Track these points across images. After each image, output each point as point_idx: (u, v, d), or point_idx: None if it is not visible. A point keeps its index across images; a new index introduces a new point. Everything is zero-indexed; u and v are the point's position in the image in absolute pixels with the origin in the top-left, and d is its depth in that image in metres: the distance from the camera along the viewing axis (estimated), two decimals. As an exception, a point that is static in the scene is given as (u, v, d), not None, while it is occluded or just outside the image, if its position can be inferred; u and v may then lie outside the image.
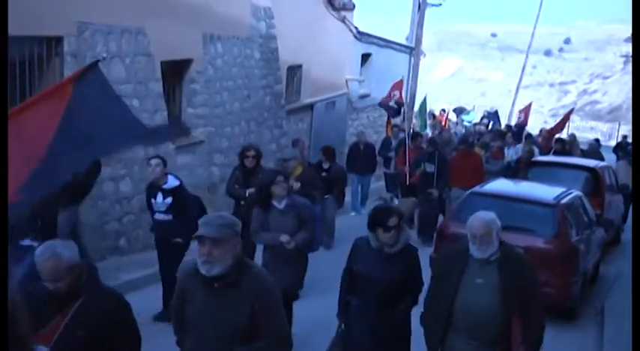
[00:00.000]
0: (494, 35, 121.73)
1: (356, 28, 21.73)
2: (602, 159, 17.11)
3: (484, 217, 5.32)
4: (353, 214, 15.74)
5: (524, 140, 18.37)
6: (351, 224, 13.52)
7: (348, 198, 14.55)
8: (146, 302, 8.06)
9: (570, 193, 10.59)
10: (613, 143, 32.96)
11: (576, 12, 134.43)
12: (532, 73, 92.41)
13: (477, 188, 10.97)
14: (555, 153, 17.37)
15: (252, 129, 14.96)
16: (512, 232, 9.49)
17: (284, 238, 7.29)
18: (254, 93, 15.04)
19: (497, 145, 16.92)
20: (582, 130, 42.31)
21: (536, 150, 17.32)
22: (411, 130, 17.86)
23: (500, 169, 15.31)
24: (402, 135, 16.31)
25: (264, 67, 15.46)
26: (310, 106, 18.51)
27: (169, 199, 8.39)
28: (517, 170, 15.36)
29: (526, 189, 11.04)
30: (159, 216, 8.54)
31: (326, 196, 12.16)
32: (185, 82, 12.91)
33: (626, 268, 10.31)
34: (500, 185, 11.22)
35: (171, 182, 8.48)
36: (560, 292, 9.27)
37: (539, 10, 32.50)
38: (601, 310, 10.04)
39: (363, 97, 22.87)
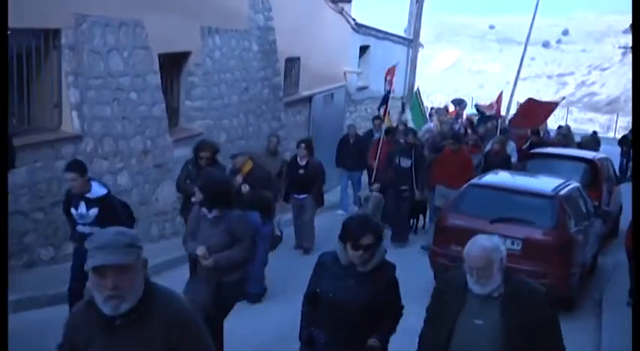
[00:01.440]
0: (492, 27, 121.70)
1: (354, 20, 21.71)
2: (596, 150, 17.23)
3: (483, 245, 4.29)
4: (340, 212, 14.97)
5: (498, 133, 17.12)
6: (335, 224, 12.96)
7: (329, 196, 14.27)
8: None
9: (568, 185, 10.62)
10: (611, 135, 32.97)
11: (575, 3, 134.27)
12: (530, 64, 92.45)
13: (475, 180, 10.98)
14: (531, 145, 16.81)
15: (250, 121, 14.96)
16: (511, 224, 9.56)
17: (200, 250, 6.20)
18: (252, 85, 15.03)
19: (473, 139, 16.37)
20: (581, 121, 42.39)
21: (511, 144, 16.21)
22: (404, 125, 17.73)
23: (477, 165, 14.46)
24: (385, 127, 15.62)
25: (263, 59, 15.45)
26: (308, 99, 18.50)
27: (95, 210, 7.25)
28: (485, 166, 14.22)
29: (525, 181, 11.06)
30: (82, 228, 7.34)
31: (303, 196, 11.79)
32: (183, 75, 12.89)
33: (624, 260, 10.34)
34: (499, 177, 11.24)
35: (97, 191, 7.32)
36: (558, 283, 9.30)
37: (538, 2, 32.42)
38: (599, 301, 10.08)
39: (362, 89, 22.86)
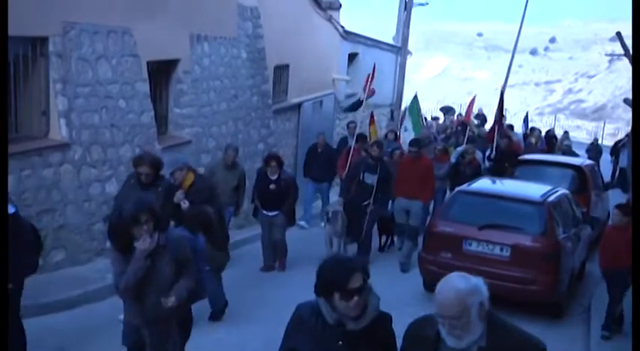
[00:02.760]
0: (480, 34, 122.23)
1: (342, 27, 21.74)
2: (597, 159, 17.37)
3: (457, 286, 3.34)
4: (302, 223, 14.05)
5: (465, 142, 16.33)
6: (298, 238, 12.46)
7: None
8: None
9: (557, 191, 10.63)
10: (599, 142, 33.04)
11: (562, 11, 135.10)
12: (518, 72, 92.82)
13: (464, 186, 10.98)
14: (498, 150, 16.05)
15: (239, 129, 14.93)
16: (500, 231, 9.57)
17: (170, 301, 5.26)
18: (241, 93, 15.00)
19: (441, 147, 15.58)
20: (568, 128, 42.55)
21: (478, 153, 15.32)
22: (394, 133, 17.23)
23: (445, 174, 14.22)
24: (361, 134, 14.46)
25: (251, 66, 15.43)
26: (297, 106, 18.49)
27: None
28: (455, 179, 13.73)
29: (513, 187, 11.06)
30: None
31: (274, 213, 10.99)
32: (172, 82, 12.86)
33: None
34: (487, 183, 11.25)
35: None
36: (546, 290, 9.31)
37: (525, 10, 32.55)
38: (588, 308, 10.09)
39: (350, 96, 22.86)
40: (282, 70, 17.59)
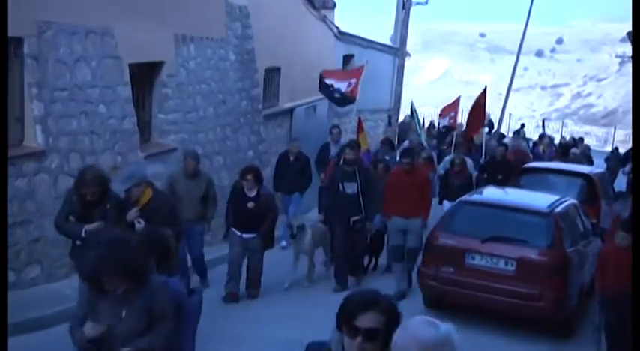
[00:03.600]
0: (482, 35, 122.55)
1: (337, 27, 21.78)
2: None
3: (421, 337, 2.74)
4: (284, 244, 13.31)
5: (453, 149, 15.81)
6: (277, 260, 11.61)
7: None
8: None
9: (565, 202, 10.63)
10: (609, 149, 33.10)
11: (569, 10, 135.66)
12: (523, 75, 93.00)
13: (466, 197, 10.97)
14: (491, 159, 15.97)
15: (227, 135, 14.92)
16: (505, 243, 9.55)
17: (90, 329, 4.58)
18: (229, 97, 14.99)
19: (426, 155, 14.99)
20: (576, 135, 42.61)
21: (469, 161, 14.85)
22: (393, 141, 17.05)
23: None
24: (344, 140, 13.81)
25: (240, 69, 15.42)
26: (289, 111, 18.48)
27: None
28: (444, 190, 13.74)
29: (518, 197, 11.06)
30: None
31: (250, 235, 10.21)
32: (156, 86, 12.85)
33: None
34: (491, 193, 11.25)
35: None
36: (554, 306, 9.29)
37: (531, 9, 32.70)
38: (598, 327, 10.05)
39: (346, 101, 22.85)
40: (273, 72, 17.59)
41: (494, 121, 28.91)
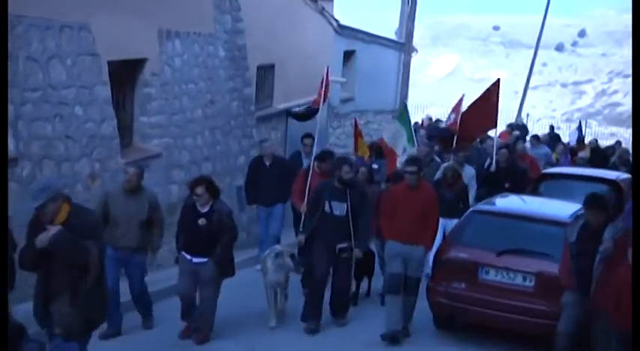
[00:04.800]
0: (496, 28, 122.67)
1: (337, 21, 21.79)
2: None
3: None
4: (259, 267, 11.89)
5: (452, 155, 15.04)
6: (252, 288, 11.11)
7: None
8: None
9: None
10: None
11: (592, 0, 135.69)
12: (542, 71, 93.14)
13: (480, 205, 10.96)
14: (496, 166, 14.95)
15: (217, 140, 14.92)
16: (522, 257, 9.54)
17: None
18: (219, 98, 15.00)
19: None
20: (601, 136, 42.58)
21: (469, 169, 14.13)
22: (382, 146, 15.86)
23: None
24: (343, 143, 13.44)
25: (231, 67, 15.43)
26: (285, 113, 18.49)
27: None
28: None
29: (537, 206, 11.05)
30: None
31: (202, 260, 9.34)
32: (138, 86, 12.85)
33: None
34: (508, 201, 11.24)
35: None
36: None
37: (549, -1, 32.73)
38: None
39: (346, 101, 22.90)
40: (266, 70, 17.61)
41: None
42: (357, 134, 15.81)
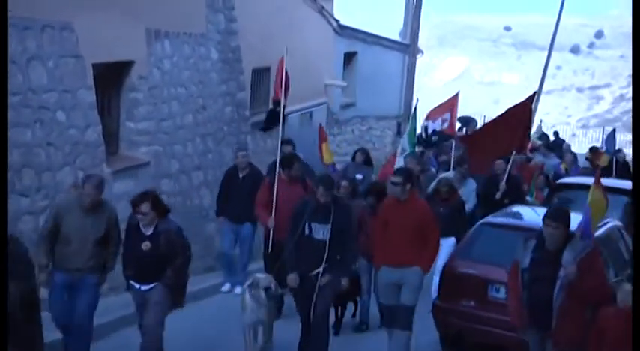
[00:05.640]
0: (508, 29, 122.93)
1: (337, 21, 21.85)
2: None
3: None
4: (226, 288, 12.32)
5: (452, 165, 14.58)
6: (216, 317, 10.84)
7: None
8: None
9: (606, 224, 10.61)
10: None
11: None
12: (556, 75, 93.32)
13: (490, 218, 10.96)
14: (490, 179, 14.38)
15: (208, 147, 14.94)
16: (535, 273, 9.52)
17: None
18: (211, 102, 15.02)
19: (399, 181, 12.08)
20: (619, 144, 42.60)
21: (470, 183, 13.85)
22: (369, 154, 15.48)
23: None
24: (344, 150, 13.07)
25: (224, 69, 15.46)
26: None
27: None
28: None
29: (551, 218, 11.02)
30: None
31: (148, 286, 8.54)
32: (124, 90, 12.87)
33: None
34: (519, 214, 11.24)
35: None
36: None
37: (564, -3, 32.81)
38: None
39: (347, 106, 22.93)
40: (261, 74, 17.64)
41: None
42: (322, 140, 15.08)
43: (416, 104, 17.79)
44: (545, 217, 7.82)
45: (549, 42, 34.08)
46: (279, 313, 10.50)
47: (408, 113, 23.90)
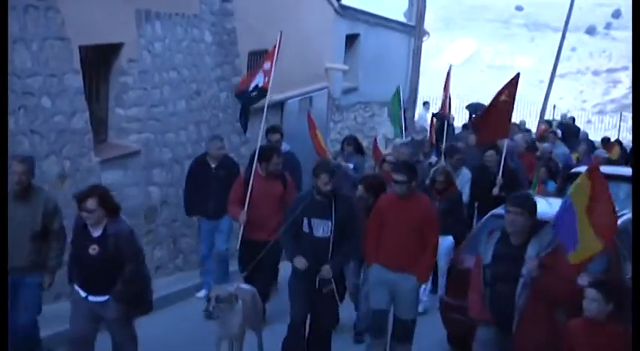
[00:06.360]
0: (519, 8, 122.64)
1: (338, 0, 21.82)
2: None
3: None
4: (201, 294, 11.79)
5: (442, 156, 14.17)
6: (188, 326, 10.42)
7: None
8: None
9: (622, 215, 10.61)
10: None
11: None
12: (570, 57, 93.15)
13: (500, 209, 10.96)
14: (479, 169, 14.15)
15: (202, 135, 14.92)
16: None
17: None
18: (205, 87, 15.02)
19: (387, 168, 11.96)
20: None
21: (465, 172, 13.55)
22: (360, 142, 15.14)
23: None
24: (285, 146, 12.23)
25: (218, 53, 15.45)
26: (280, 104, 18.52)
27: None
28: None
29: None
30: None
31: (101, 298, 7.92)
32: (113, 75, 12.87)
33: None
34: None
35: None
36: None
37: (579, -24, 32.74)
38: None
39: (349, 91, 22.92)
40: (258, 57, 17.61)
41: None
42: (313, 129, 14.61)
43: (398, 88, 17.59)
44: (507, 202, 7.56)
45: (564, 22, 34.07)
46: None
47: (414, 99, 23.96)
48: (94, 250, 7.75)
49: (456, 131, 22.02)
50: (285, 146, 12.29)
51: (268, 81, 11.81)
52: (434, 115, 17.83)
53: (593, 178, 7.05)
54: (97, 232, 7.79)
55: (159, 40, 13.61)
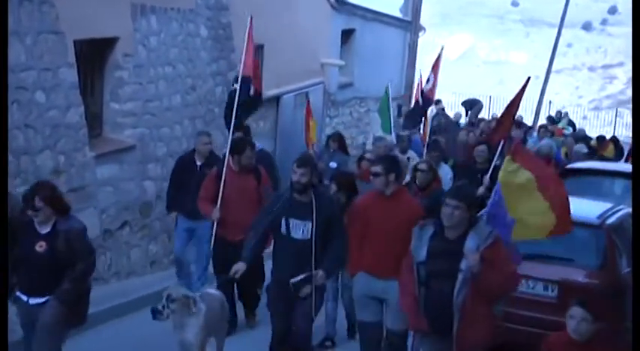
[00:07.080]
0: (515, 4, 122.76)
1: (334, -5, 21.80)
2: None
3: None
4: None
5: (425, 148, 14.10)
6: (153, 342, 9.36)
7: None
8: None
9: (619, 210, 10.62)
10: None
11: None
12: (566, 53, 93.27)
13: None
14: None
15: (198, 130, 14.90)
16: (545, 263, 9.53)
17: None
18: (200, 82, 15.00)
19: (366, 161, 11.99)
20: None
21: (444, 168, 13.32)
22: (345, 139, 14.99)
23: None
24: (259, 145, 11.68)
25: (214, 48, 15.42)
26: (275, 99, 18.50)
27: None
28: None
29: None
30: None
31: (40, 299, 7.41)
32: (108, 69, 12.84)
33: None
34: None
35: None
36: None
37: (575, -29, 32.72)
38: None
39: (345, 86, 22.90)
40: (254, 52, 17.58)
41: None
42: (309, 117, 14.55)
43: (387, 86, 17.50)
44: (446, 194, 7.19)
45: (559, 18, 34.09)
46: (232, 328, 9.72)
47: (409, 94, 23.93)
48: (40, 246, 7.33)
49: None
50: (258, 145, 11.51)
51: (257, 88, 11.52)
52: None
53: (518, 159, 7.23)
54: (45, 229, 7.40)
55: (154, 34, 13.59)
